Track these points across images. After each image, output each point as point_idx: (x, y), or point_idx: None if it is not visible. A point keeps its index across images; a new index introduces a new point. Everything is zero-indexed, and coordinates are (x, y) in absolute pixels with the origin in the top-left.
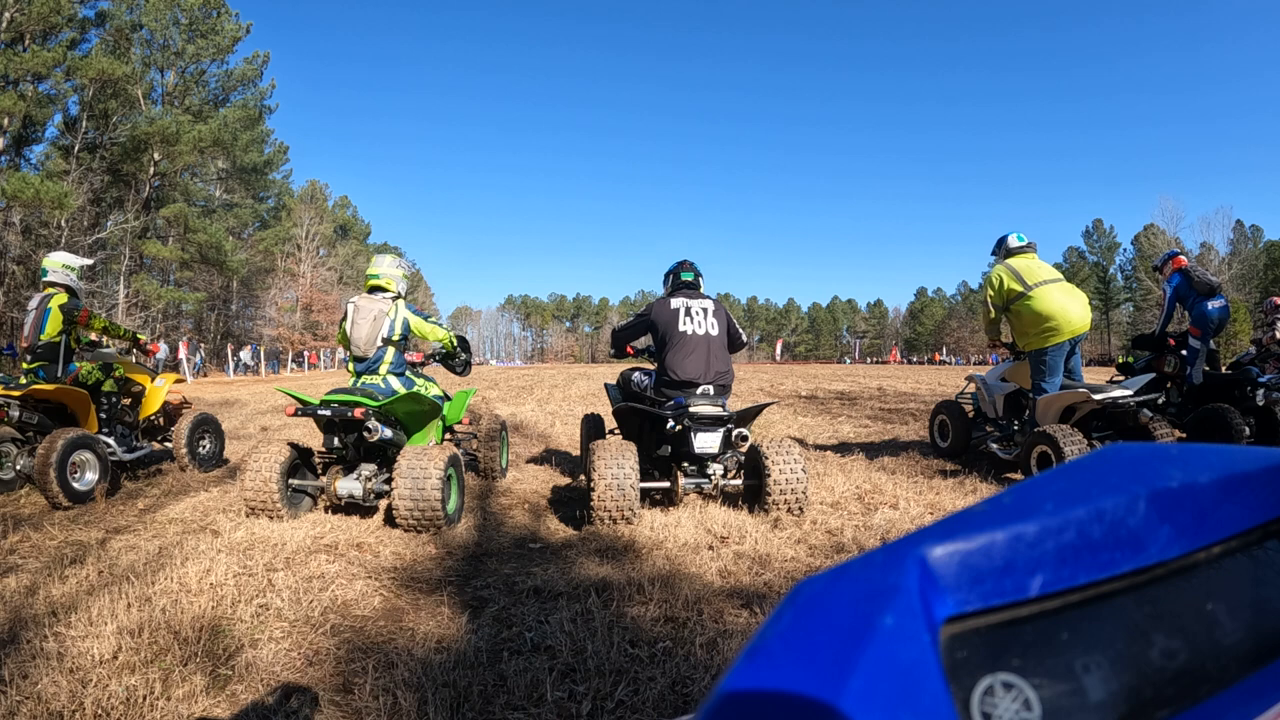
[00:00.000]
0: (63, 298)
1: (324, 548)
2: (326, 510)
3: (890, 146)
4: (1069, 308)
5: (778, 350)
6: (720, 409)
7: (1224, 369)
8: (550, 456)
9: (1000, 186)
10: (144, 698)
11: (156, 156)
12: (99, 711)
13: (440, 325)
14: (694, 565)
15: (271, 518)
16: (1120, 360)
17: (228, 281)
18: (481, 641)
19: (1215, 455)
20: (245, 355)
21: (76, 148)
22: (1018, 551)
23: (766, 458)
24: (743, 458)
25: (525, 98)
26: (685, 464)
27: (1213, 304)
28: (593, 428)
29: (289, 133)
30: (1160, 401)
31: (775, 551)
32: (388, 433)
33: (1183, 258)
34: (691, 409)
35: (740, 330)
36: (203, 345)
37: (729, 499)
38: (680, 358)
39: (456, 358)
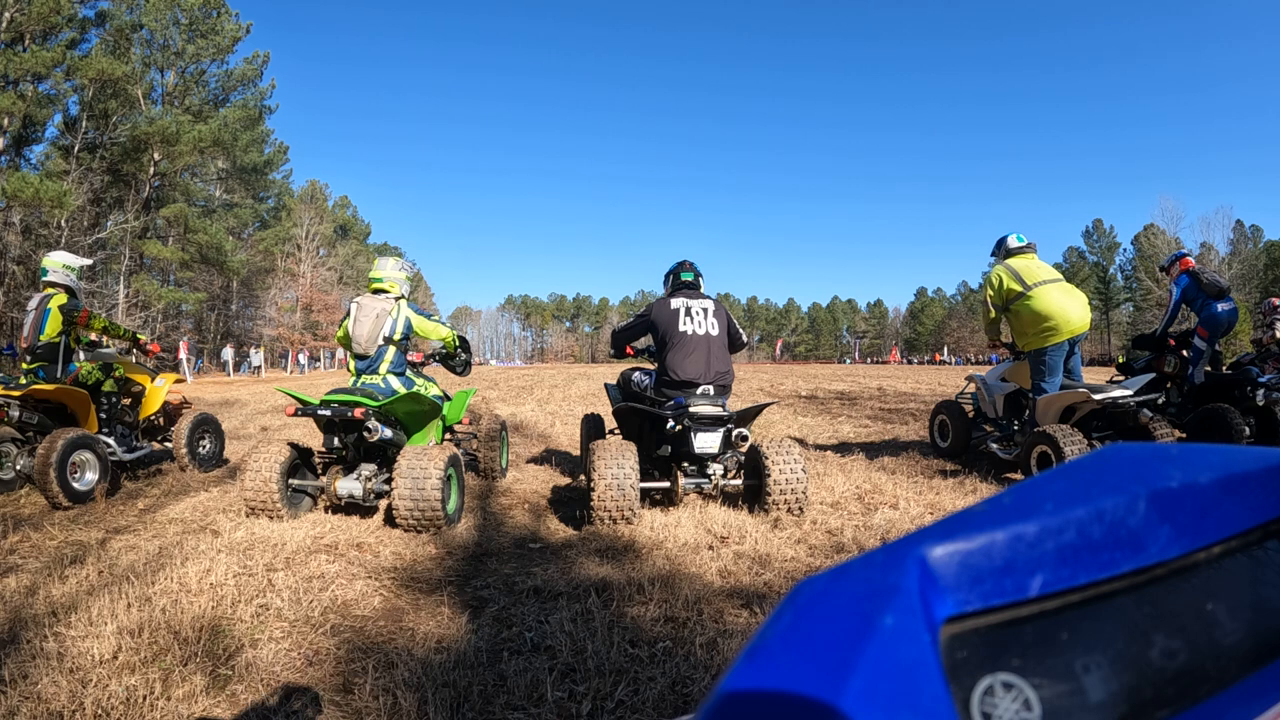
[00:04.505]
0: (62, 298)
1: (324, 548)
2: (326, 510)
3: (890, 147)
4: (1068, 308)
5: (778, 350)
6: (720, 409)
7: (1224, 369)
8: (550, 456)
9: (1000, 186)
10: (144, 698)
11: (156, 156)
12: (99, 711)
13: (443, 324)
14: (694, 565)
15: (271, 518)
16: (1120, 360)
17: (228, 281)
18: (481, 641)
19: (1215, 455)
20: (254, 357)
21: (76, 148)
22: (1018, 551)
23: (766, 458)
24: (743, 458)
25: (525, 98)
26: (685, 464)
27: (1222, 306)
28: (593, 428)
29: (289, 133)
30: (1160, 401)
31: (775, 551)
32: (388, 433)
33: (1190, 259)
34: (691, 409)
35: (740, 330)
36: (256, 350)
37: (729, 499)
38: (680, 358)
39: (457, 358)
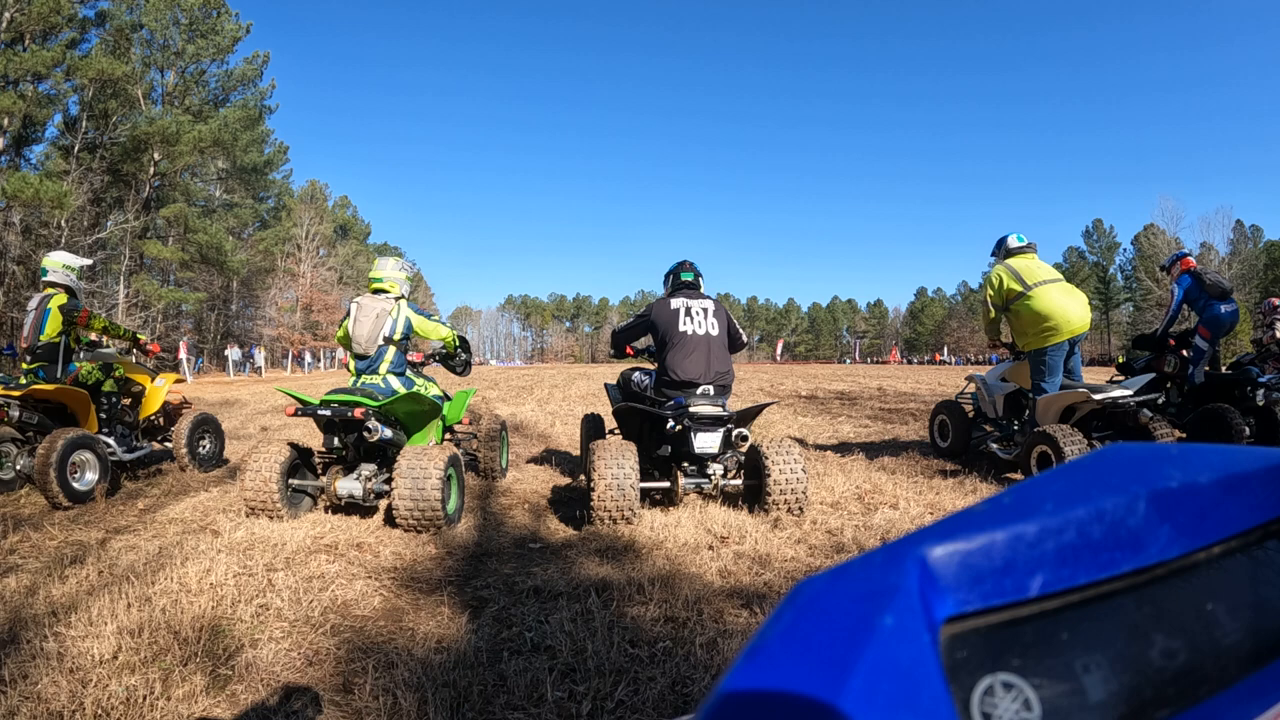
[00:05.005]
0: (62, 298)
1: (324, 548)
2: (326, 510)
3: (890, 147)
4: (1068, 307)
5: (778, 350)
6: (720, 409)
7: (1224, 369)
8: (550, 456)
9: (1000, 186)
10: (144, 698)
11: (156, 156)
12: (99, 711)
13: (443, 324)
14: (694, 565)
15: (271, 518)
16: (1120, 360)
17: (228, 281)
18: (481, 641)
19: (1215, 455)
20: (259, 357)
21: (76, 148)
22: (1018, 551)
23: (766, 458)
24: (743, 458)
25: (525, 98)
26: (685, 464)
27: (1225, 306)
28: (593, 428)
29: (289, 133)
30: (1160, 401)
31: (775, 551)
32: (388, 433)
33: (1191, 259)
34: (691, 409)
35: (740, 330)
36: (258, 349)
37: (729, 499)
38: (680, 358)
39: (457, 358)
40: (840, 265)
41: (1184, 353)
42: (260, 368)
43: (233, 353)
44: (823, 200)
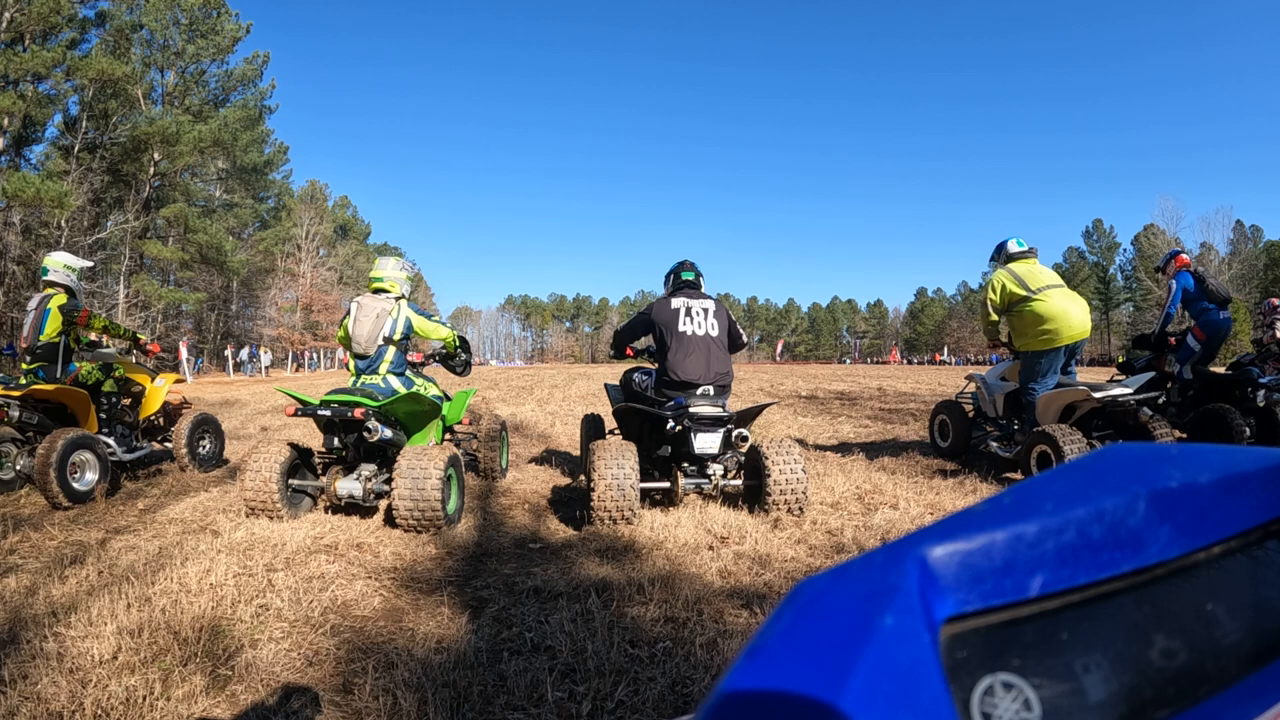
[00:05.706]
0: (62, 298)
1: (324, 548)
2: (326, 510)
3: (890, 147)
4: (1070, 312)
5: (778, 350)
6: (720, 409)
7: (1224, 369)
8: (550, 456)
9: (1000, 187)
10: (144, 698)
11: (156, 156)
12: (99, 711)
13: (443, 324)
14: (694, 565)
15: (271, 518)
16: (1120, 360)
17: (228, 281)
18: (481, 641)
19: (1215, 455)
20: (265, 358)
21: (76, 148)
22: (1018, 551)
23: (766, 458)
24: (743, 458)
25: (525, 98)
26: (685, 464)
27: (1223, 313)
28: (593, 428)
29: (289, 133)
30: (1160, 401)
31: (775, 551)
32: (388, 433)
33: (1185, 256)
34: (691, 409)
35: (741, 330)
36: (261, 349)
37: (729, 499)
38: (680, 358)
39: (457, 358)
40: (840, 265)
41: (1171, 340)
42: (265, 368)
43: (240, 352)
44: (823, 200)
